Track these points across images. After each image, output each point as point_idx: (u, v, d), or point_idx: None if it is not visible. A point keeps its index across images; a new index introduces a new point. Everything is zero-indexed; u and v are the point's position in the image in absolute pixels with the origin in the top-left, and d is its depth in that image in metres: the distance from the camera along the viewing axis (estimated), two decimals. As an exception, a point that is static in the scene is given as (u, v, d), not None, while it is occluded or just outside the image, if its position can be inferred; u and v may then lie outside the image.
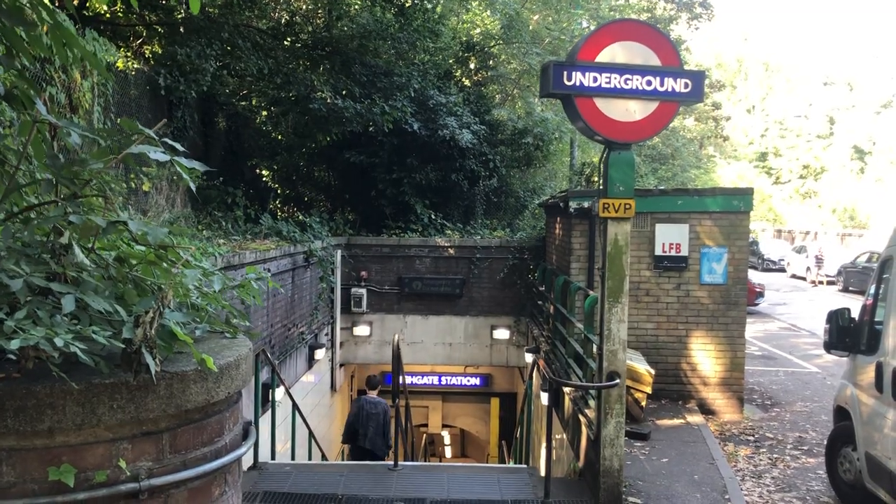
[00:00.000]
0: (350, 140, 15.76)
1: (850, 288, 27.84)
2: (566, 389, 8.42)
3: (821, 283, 30.25)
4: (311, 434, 9.82)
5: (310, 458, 9.86)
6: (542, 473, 7.85)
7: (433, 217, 15.18)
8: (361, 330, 14.28)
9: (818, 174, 58.08)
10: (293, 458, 8.83)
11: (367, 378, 10.14)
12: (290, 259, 10.57)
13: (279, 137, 17.78)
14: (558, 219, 11.86)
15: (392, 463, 7.43)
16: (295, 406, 8.88)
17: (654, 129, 6.52)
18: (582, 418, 7.32)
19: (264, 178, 17.71)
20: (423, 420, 18.17)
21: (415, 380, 17.04)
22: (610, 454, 6.43)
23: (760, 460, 8.46)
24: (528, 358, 11.95)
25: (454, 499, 6.61)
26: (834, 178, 54.77)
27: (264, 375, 8.80)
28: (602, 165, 6.50)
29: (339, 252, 13.67)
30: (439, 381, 17.11)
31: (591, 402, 7.40)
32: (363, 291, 14.19)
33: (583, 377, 7.85)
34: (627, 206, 6.38)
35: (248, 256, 8.43)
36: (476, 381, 17.18)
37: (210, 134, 14.80)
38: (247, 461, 7.53)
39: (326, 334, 13.12)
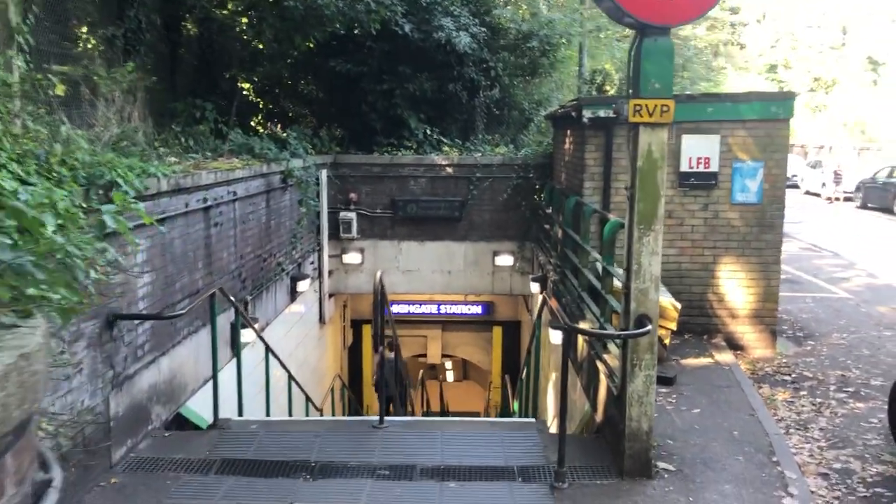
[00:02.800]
0: (336, 47, 14.19)
1: (870, 205, 26.48)
2: (580, 325, 7.25)
3: (837, 199, 28.86)
4: (290, 378, 8.74)
5: (289, 405, 8.80)
6: (553, 429, 6.77)
7: (428, 132, 13.75)
8: (352, 258, 13.08)
9: (829, 87, 55.88)
10: (267, 410, 7.75)
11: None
12: (264, 180, 9.26)
13: (260, 46, 16.19)
14: (568, 132, 10.48)
15: (377, 418, 6.33)
16: (268, 350, 7.74)
17: (699, 9, 5.13)
18: (600, 365, 6.17)
19: (245, 92, 16.20)
20: (421, 350, 17.21)
21: (412, 308, 15.97)
22: (637, 414, 5.29)
23: (803, 406, 7.34)
24: (534, 287, 10.78)
25: (449, 465, 5.52)
26: (846, 90, 52.60)
27: (231, 316, 7.64)
28: (632, 57, 5.13)
29: (325, 172, 12.34)
30: (438, 309, 16.03)
31: (613, 346, 6.24)
32: (353, 216, 12.91)
33: (600, 315, 6.66)
34: (665, 109, 5.05)
35: (205, 178, 7.13)
36: (477, 309, 16.11)
37: (177, 41, 13.24)
38: (207, 415, 6.44)
39: (312, 263, 11.93)
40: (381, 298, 6.20)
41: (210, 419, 6.92)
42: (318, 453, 5.72)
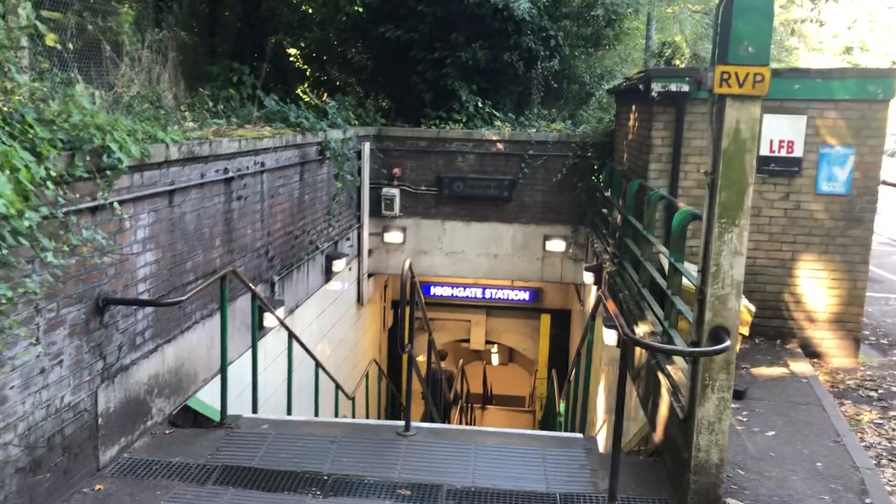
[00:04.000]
0: (386, 11, 13.39)
1: (953, 198, 24.64)
2: (640, 329, 6.39)
3: (916, 191, 26.97)
4: (317, 366, 8.07)
5: (316, 396, 8.14)
6: (602, 448, 5.96)
7: (480, 105, 12.85)
8: (393, 236, 12.34)
9: (909, 70, 52.90)
10: (289, 403, 7.09)
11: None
12: (298, 151, 8.55)
13: (308, 10, 15.48)
14: (634, 107, 9.51)
15: (403, 424, 5.59)
16: (292, 337, 7.06)
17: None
18: (662, 377, 5.30)
19: (291, 58, 15.56)
20: (464, 335, 16.45)
21: (455, 291, 15.21)
22: (707, 443, 4.43)
23: (894, 430, 6.37)
24: (588, 277, 9.90)
25: (480, 487, 4.76)
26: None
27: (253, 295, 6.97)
28: (720, 14, 4.21)
29: (368, 145, 11.59)
30: (483, 293, 15.23)
31: (679, 357, 5.37)
32: (395, 192, 12.15)
33: (664, 319, 5.79)
34: (759, 78, 4.13)
35: (226, 146, 6.43)
36: (525, 295, 15.25)
37: (218, 0, 12.63)
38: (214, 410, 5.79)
39: (350, 241, 11.23)
40: (410, 290, 5.42)
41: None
42: (333, 463, 5.01)
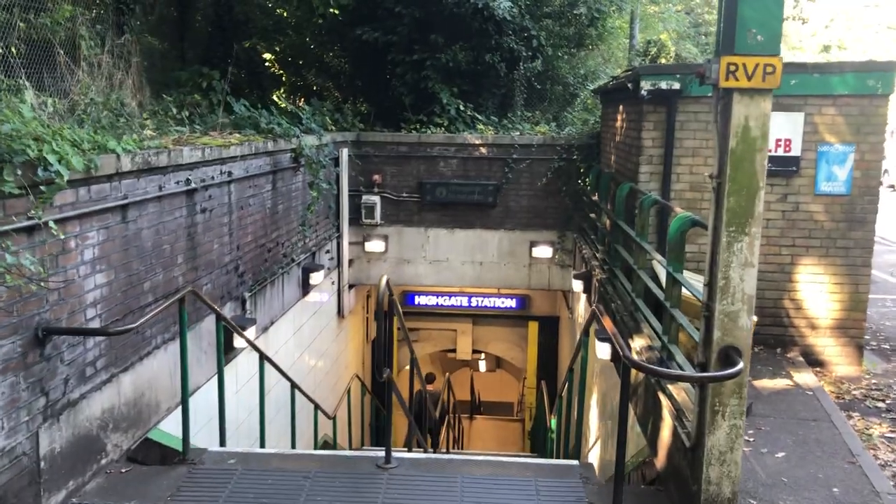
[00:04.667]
0: (363, 13, 12.93)
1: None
2: (636, 343, 5.97)
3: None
4: (293, 388, 7.59)
5: (293, 421, 7.65)
6: (597, 467, 5.52)
7: (462, 108, 12.41)
8: (375, 245, 11.87)
9: (888, 69, 53.01)
10: (262, 431, 6.60)
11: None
12: (269, 159, 8.07)
13: (283, 14, 14.99)
14: (621, 108, 9.11)
15: (383, 455, 5.12)
16: (263, 359, 6.58)
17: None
18: (663, 398, 4.88)
19: (266, 64, 15.06)
20: (450, 345, 16.00)
21: (440, 300, 14.75)
22: (718, 476, 4.01)
23: (907, 445, 5.98)
24: (577, 286, 9.47)
25: (469, 527, 4.30)
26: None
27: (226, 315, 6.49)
28: (723, 1, 3.80)
29: (346, 151, 11.13)
30: (469, 302, 14.78)
31: (679, 364, 4.94)
32: (376, 199, 11.69)
33: (663, 333, 5.37)
34: (769, 70, 3.72)
35: (187, 155, 5.95)
36: (512, 302, 14.82)
37: (188, 3, 12.13)
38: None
39: (329, 252, 10.75)
40: (388, 309, 4.96)
41: (191, 439, 5.82)
42: (307, 503, 4.54)
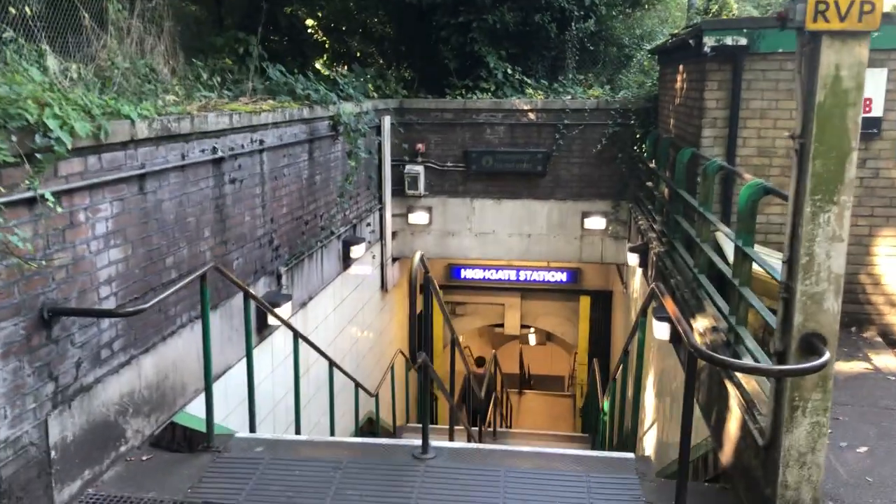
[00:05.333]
0: (407, -25, 12.39)
1: None
2: (699, 324, 5.44)
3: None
4: (331, 366, 7.26)
5: (331, 400, 7.33)
6: (654, 461, 5.05)
7: (510, 72, 11.83)
8: (418, 217, 11.45)
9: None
10: (297, 414, 6.28)
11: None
12: (306, 126, 7.68)
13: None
14: (681, 68, 8.44)
15: (420, 445, 4.73)
16: (298, 338, 6.23)
17: None
18: (730, 386, 4.36)
19: (309, 30, 14.66)
20: (498, 320, 15.56)
21: (487, 274, 14.29)
22: (797, 479, 3.50)
23: None
24: (632, 259, 8.91)
25: (512, 529, 3.88)
26: None
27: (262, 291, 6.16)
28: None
29: (388, 119, 10.68)
30: (517, 276, 14.28)
31: (751, 361, 4.42)
32: (419, 169, 11.25)
33: (729, 314, 4.83)
34: (867, 8, 3.14)
35: (213, 122, 5.58)
36: (562, 276, 14.27)
37: (225, -33, 11.77)
38: (218, 417, 4.98)
39: (370, 224, 10.37)
40: (424, 289, 4.54)
41: (221, 421, 5.54)
42: (335, 498, 4.18)
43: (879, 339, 7.03)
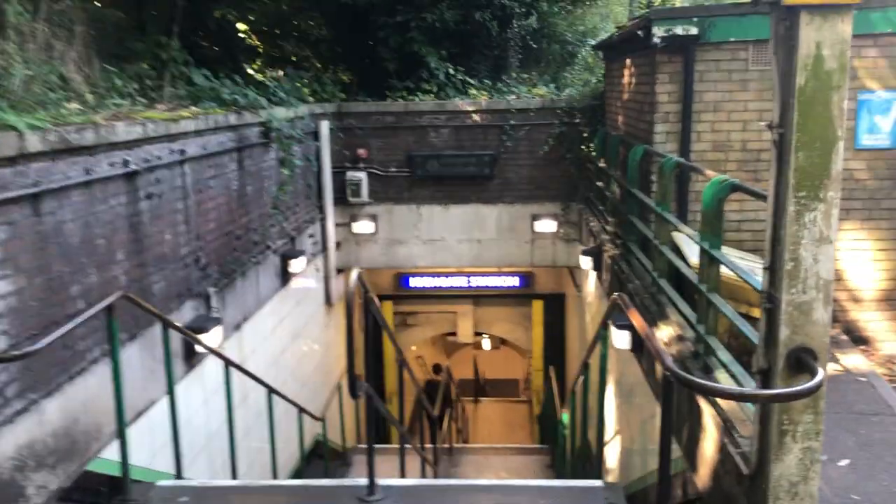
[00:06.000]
0: (341, -27, 11.86)
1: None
2: (663, 333, 5.06)
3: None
4: (270, 393, 6.70)
5: (271, 432, 6.78)
6: (620, 476, 4.64)
7: (452, 72, 11.40)
8: (363, 226, 10.93)
9: None
10: (231, 451, 5.71)
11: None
12: (233, 134, 7.12)
13: (256, -21, 13.90)
14: (629, 62, 8.11)
15: (367, 484, 4.22)
16: (229, 366, 5.67)
17: None
18: (704, 405, 3.97)
19: (240, 34, 14.00)
20: (451, 328, 15.12)
21: (438, 282, 13.83)
22: (788, 513, 3.10)
23: (984, 440, 5.08)
24: (585, 262, 8.55)
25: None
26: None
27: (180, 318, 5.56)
28: None
29: (326, 124, 10.14)
30: (468, 282, 13.86)
31: (723, 375, 4.04)
32: (362, 176, 10.73)
33: (698, 322, 4.46)
34: (849, -22, 2.76)
35: (123, 132, 5.00)
36: (514, 281, 13.89)
37: (145, -32, 11.05)
38: (144, 458, 4.39)
39: (312, 236, 9.81)
40: (364, 309, 4.05)
41: (147, 463, 4.97)
42: (269, 556, 3.66)
43: (845, 337, 6.78)
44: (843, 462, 4.47)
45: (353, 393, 3.82)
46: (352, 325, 3.84)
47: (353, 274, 3.92)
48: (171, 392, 4.74)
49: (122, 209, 5.11)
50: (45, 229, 4.23)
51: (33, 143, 4.05)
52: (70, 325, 3.75)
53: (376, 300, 4.32)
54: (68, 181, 4.43)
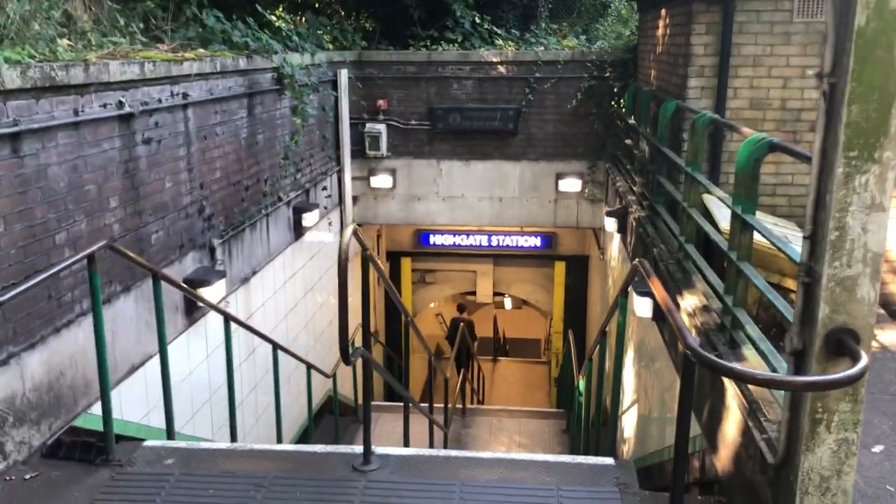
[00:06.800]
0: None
1: None
2: (686, 302, 4.72)
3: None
4: (276, 349, 6.49)
5: (276, 390, 6.58)
6: (635, 447, 4.37)
7: (478, 22, 10.92)
8: (381, 181, 10.62)
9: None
10: (231, 408, 5.51)
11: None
12: (243, 79, 6.79)
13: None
14: (664, 13, 7.62)
15: (360, 453, 3.99)
16: (229, 320, 5.44)
17: None
18: (728, 384, 3.65)
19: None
20: (470, 287, 14.82)
21: (458, 240, 13.51)
22: (817, 510, 2.79)
23: None
24: (610, 224, 8.17)
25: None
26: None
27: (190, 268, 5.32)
28: None
29: (345, 73, 9.76)
30: (489, 241, 13.52)
31: (751, 353, 3.71)
32: (381, 128, 10.37)
33: (725, 293, 4.11)
34: None
35: (116, 71, 4.69)
36: (536, 241, 13.52)
37: None
38: (137, 413, 4.19)
39: (326, 189, 9.51)
40: (363, 269, 3.77)
41: (141, 420, 4.79)
42: (252, 528, 3.44)
43: (882, 312, 6.37)
44: (877, 448, 4.13)
45: (346, 359, 3.55)
46: (345, 288, 3.57)
47: (348, 231, 3.64)
48: (162, 348, 4.51)
49: (116, 154, 4.83)
50: (26, 172, 3.97)
51: (11, 78, 3.76)
52: (43, 276, 3.50)
53: (377, 259, 4.02)
54: (53, 122, 4.15)
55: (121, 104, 4.81)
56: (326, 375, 8.05)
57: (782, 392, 3.04)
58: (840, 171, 2.54)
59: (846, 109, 2.50)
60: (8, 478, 3.81)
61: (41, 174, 4.09)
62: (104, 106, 4.65)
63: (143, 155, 5.16)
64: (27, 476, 3.85)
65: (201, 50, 6.48)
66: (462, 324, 10.34)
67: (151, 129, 5.24)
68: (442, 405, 8.88)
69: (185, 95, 5.66)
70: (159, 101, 5.31)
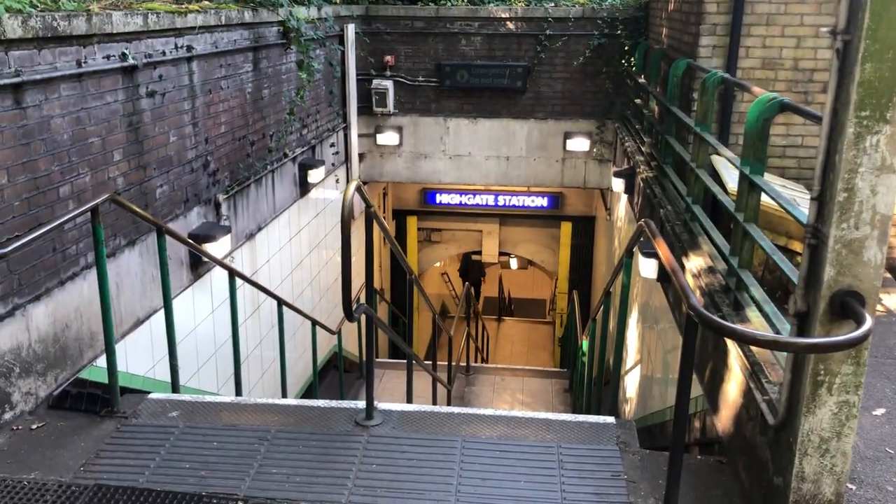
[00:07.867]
0: None
1: None
2: (692, 263, 4.70)
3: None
4: (280, 305, 6.51)
5: (281, 344, 6.62)
6: (637, 407, 4.39)
7: (488, -25, 10.74)
8: (388, 138, 10.54)
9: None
10: (236, 364, 5.55)
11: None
12: (248, 33, 6.70)
13: None
14: (677, -33, 7.45)
15: (363, 408, 4.02)
16: (234, 275, 5.44)
17: None
18: (731, 345, 3.64)
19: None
20: (476, 247, 14.82)
21: (464, 199, 13.47)
22: (816, 470, 2.82)
23: None
24: (617, 184, 8.12)
25: (466, 518, 3.22)
26: None
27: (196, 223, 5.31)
28: None
29: (352, 27, 9.63)
30: (495, 201, 13.47)
31: (754, 314, 3.69)
32: (388, 84, 10.26)
33: (731, 255, 4.09)
34: None
35: (118, 21, 4.63)
36: (543, 201, 13.47)
37: None
38: (142, 366, 4.24)
39: (332, 145, 9.45)
40: (367, 226, 3.76)
41: (147, 372, 4.84)
42: (256, 479, 3.48)
43: (888, 275, 6.34)
44: (879, 411, 4.15)
45: (349, 315, 3.55)
46: (348, 243, 3.57)
47: (351, 186, 3.62)
48: (167, 302, 4.53)
49: (120, 106, 4.79)
50: (29, 124, 3.94)
51: (13, 27, 3.72)
52: (46, 228, 3.50)
53: (381, 216, 4.00)
54: (55, 73, 4.11)
55: (124, 56, 4.76)
56: (331, 332, 8.10)
57: (784, 354, 3.04)
58: (851, 132, 2.50)
59: (859, 68, 2.45)
60: (15, 427, 3.86)
61: (44, 126, 4.06)
62: (107, 58, 4.60)
63: (147, 108, 5.12)
64: (34, 426, 3.90)
65: (206, 2, 6.38)
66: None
67: (155, 81, 5.19)
68: (446, 363, 8.93)
69: (189, 48, 5.60)
70: (163, 53, 5.25)
